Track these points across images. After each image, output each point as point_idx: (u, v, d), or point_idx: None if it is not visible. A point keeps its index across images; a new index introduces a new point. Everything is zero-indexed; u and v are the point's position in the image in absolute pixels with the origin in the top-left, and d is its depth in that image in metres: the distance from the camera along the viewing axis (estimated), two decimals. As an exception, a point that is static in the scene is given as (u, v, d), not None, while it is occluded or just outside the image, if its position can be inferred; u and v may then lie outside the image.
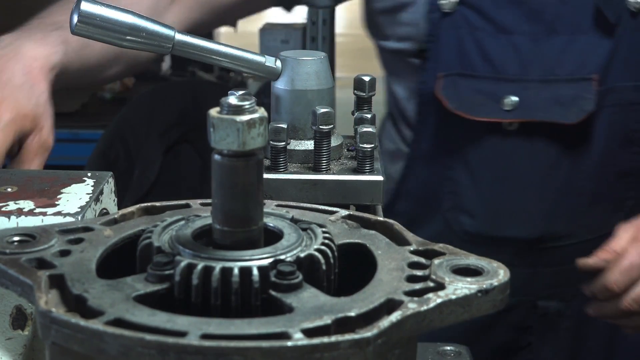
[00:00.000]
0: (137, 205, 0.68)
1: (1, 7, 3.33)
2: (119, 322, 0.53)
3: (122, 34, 0.83)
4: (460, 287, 0.57)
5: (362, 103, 0.92)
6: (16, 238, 0.62)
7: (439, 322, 0.56)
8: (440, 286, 0.57)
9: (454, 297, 0.56)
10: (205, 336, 0.51)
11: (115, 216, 0.67)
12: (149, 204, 0.69)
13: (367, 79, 0.91)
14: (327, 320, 0.53)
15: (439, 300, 0.56)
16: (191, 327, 0.52)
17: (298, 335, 0.52)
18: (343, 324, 0.53)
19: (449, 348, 0.89)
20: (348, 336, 0.51)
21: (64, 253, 0.61)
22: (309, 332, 0.52)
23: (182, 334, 0.51)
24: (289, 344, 0.50)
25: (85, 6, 0.82)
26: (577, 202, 1.35)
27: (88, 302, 0.55)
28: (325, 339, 0.51)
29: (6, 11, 3.35)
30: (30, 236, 0.62)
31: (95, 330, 0.51)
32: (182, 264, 0.57)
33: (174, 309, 0.55)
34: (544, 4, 1.32)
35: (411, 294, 0.56)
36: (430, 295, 0.56)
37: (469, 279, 0.58)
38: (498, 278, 0.58)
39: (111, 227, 0.65)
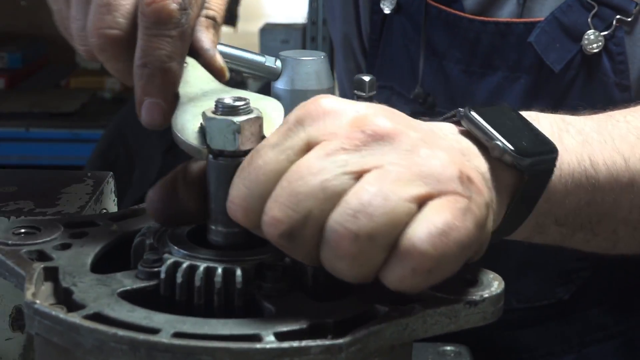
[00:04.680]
0: None
1: (1, 7, 3.33)
2: (97, 317, 0.53)
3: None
4: (449, 297, 0.56)
5: (362, 103, 0.91)
6: (22, 230, 0.63)
7: (423, 332, 0.55)
8: (428, 296, 0.56)
9: (439, 307, 0.55)
10: (177, 334, 0.51)
11: (127, 212, 0.68)
12: None
13: (367, 79, 0.91)
14: (303, 324, 0.53)
15: (423, 310, 0.55)
16: (166, 325, 0.52)
17: (269, 338, 0.51)
18: (320, 330, 0.53)
19: (449, 348, 0.88)
20: (319, 342, 0.51)
21: (65, 246, 0.62)
22: (281, 336, 0.52)
23: (155, 331, 0.51)
24: (258, 346, 0.50)
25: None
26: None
27: (73, 295, 0.56)
28: (295, 344, 0.51)
29: (6, 11, 3.35)
30: (36, 228, 0.64)
31: (72, 323, 0.52)
32: (169, 261, 0.57)
33: (160, 306, 0.55)
34: (478, 33, 1.08)
35: (397, 301, 0.55)
36: (415, 304, 0.55)
37: (459, 289, 0.57)
38: (490, 290, 0.57)
39: (118, 222, 0.66)
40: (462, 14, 1.10)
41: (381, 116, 0.56)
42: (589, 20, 1.03)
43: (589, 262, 1.07)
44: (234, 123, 0.58)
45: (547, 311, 1.12)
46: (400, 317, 0.54)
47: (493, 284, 0.58)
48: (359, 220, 0.52)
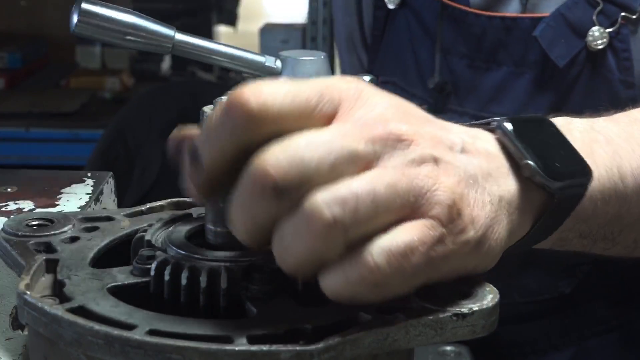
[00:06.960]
0: (168, 200, 0.70)
1: (1, 7, 3.33)
2: (80, 310, 0.54)
3: (122, 33, 0.83)
4: (436, 308, 0.55)
5: (362, 103, 0.91)
6: (35, 222, 0.65)
7: (405, 342, 0.54)
8: (414, 305, 0.55)
9: (423, 318, 0.54)
10: (152, 332, 0.52)
11: (143, 209, 0.68)
12: (180, 199, 0.69)
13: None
14: (279, 329, 0.52)
15: (406, 320, 0.54)
16: (143, 322, 0.53)
17: (241, 340, 0.51)
18: (296, 335, 0.52)
19: (449, 348, 0.88)
20: (290, 347, 0.50)
21: (73, 239, 0.63)
22: (254, 339, 0.51)
23: (132, 327, 0.52)
24: (227, 348, 0.50)
25: (85, 5, 0.82)
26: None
27: (64, 288, 0.57)
28: (265, 348, 0.50)
29: (6, 11, 3.35)
30: (49, 221, 0.65)
31: (54, 316, 0.53)
32: (159, 259, 0.58)
33: (150, 303, 0.56)
34: (484, 28, 1.10)
35: (382, 310, 0.54)
36: (399, 314, 0.54)
37: (450, 301, 0.55)
38: (481, 303, 0.56)
39: (131, 219, 0.67)
40: (468, 8, 1.11)
41: (401, 122, 0.56)
42: (594, 17, 1.04)
43: (591, 257, 1.07)
44: None
45: (549, 305, 1.12)
46: (381, 327, 0.53)
47: (487, 297, 0.56)
48: (344, 209, 0.51)
